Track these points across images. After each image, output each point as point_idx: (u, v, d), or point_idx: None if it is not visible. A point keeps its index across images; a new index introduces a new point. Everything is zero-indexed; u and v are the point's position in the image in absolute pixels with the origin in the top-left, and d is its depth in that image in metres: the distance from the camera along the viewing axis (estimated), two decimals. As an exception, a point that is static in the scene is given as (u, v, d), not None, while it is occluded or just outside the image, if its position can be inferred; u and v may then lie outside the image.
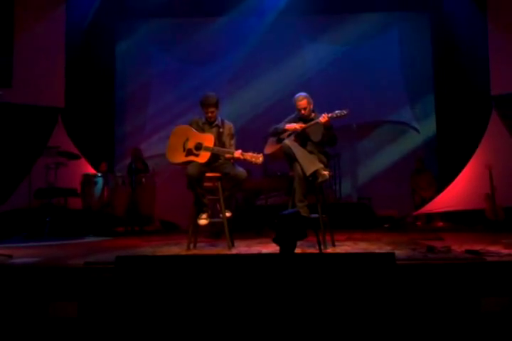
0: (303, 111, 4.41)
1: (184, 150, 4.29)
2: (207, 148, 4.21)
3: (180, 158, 4.29)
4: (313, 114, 4.44)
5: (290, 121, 4.53)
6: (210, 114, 4.37)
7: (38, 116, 7.25)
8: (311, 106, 4.46)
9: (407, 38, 8.72)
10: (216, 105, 4.37)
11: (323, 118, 4.18)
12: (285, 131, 4.45)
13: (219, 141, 4.38)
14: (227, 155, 4.23)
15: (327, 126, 4.24)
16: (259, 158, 4.10)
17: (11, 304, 3.02)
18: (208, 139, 4.26)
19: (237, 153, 4.14)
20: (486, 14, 7.31)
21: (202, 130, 4.40)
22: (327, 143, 4.38)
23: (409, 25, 8.72)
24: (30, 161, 6.96)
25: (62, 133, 7.46)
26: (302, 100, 4.40)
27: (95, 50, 8.22)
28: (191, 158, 4.24)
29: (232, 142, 4.45)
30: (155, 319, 2.55)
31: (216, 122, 4.43)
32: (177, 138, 4.36)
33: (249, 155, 4.11)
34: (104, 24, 8.40)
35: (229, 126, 4.48)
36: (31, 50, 7.20)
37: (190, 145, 4.28)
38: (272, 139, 4.61)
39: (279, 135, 4.52)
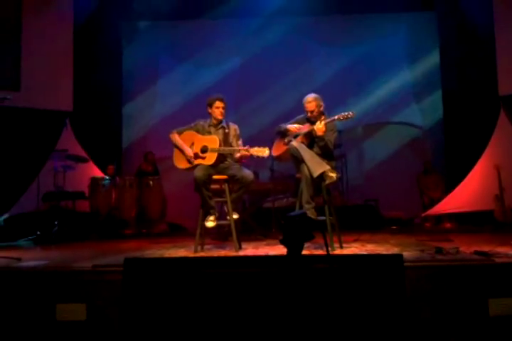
0: (309, 114, 4.39)
1: (191, 156, 4.34)
2: (213, 149, 4.24)
3: (188, 163, 4.33)
4: (322, 117, 4.31)
5: (298, 122, 4.52)
6: (223, 110, 4.39)
7: (46, 120, 7.28)
8: (321, 109, 4.39)
9: (414, 39, 8.69)
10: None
11: (320, 130, 4.14)
12: (287, 131, 4.46)
13: (226, 142, 4.40)
14: (237, 155, 4.26)
15: (319, 138, 4.21)
16: (265, 152, 4.10)
17: (19, 307, 3.03)
18: (213, 141, 4.30)
19: (243, 149, 4.17)
20: (492, 13, 7.26)
21: (208, 133, 4.42)
22: (322, 153, 4.29)
23: (417, 25, 8.70)
24: (38, 165, 6.98)
25: (70, 136, 7.47)
26: (310, 102, 4.36)
27: (103, 53, 8.25)
28: (199, 161, 4.27)
29: (239, 143, 4.47)
30: (164, 321, 2.56)
31: (222, 124, 4.46)
32: None
33: (255, 150, 4.12)
34: (112, 27, 8.43)
35: (234, 127, 4.51)
36: (39, 53, 7.21)
37: (196, 149, 4.32)
38: (278, 141, 4.61)
39: (281, 134, 4.52)
